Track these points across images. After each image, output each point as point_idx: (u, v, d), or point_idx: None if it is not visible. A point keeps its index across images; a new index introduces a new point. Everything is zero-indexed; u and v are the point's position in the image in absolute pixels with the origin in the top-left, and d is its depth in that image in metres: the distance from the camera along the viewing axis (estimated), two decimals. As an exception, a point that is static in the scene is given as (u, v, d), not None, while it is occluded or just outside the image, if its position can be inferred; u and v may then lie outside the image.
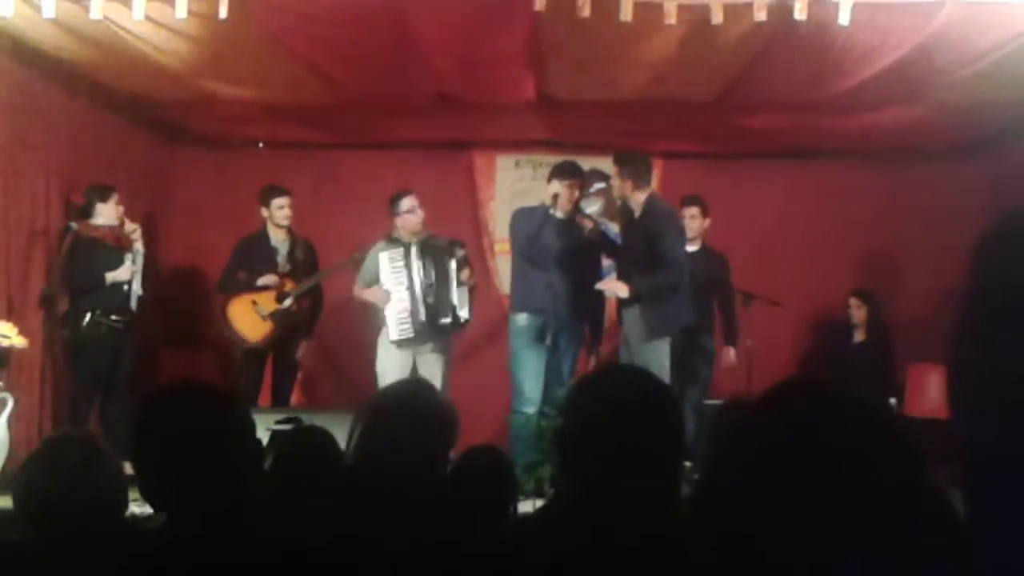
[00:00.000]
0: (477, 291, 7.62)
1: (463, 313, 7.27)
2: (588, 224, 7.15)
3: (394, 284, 7.26)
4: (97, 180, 7.47)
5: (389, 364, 7.28)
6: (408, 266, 7.26)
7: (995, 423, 1.13)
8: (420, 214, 7.40)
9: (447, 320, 7.22)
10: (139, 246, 7.44)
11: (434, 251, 7.31)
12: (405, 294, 7.23)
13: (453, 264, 7.27)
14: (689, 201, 7.71)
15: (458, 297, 7.24)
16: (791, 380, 1.70)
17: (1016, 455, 1.10)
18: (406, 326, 7.23)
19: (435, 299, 7.20)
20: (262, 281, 7.71)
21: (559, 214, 7.03)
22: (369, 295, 7.39)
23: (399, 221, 7.42)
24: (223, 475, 2.16)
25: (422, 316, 7.19)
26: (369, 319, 7.66)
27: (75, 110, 7.59)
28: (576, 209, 7.17)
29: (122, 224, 7.43)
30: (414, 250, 7.28)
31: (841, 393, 1.59)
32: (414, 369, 7.28)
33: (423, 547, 2.52)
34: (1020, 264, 1.13)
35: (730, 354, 7.94)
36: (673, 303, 6.77)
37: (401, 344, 7.28)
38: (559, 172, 7.14)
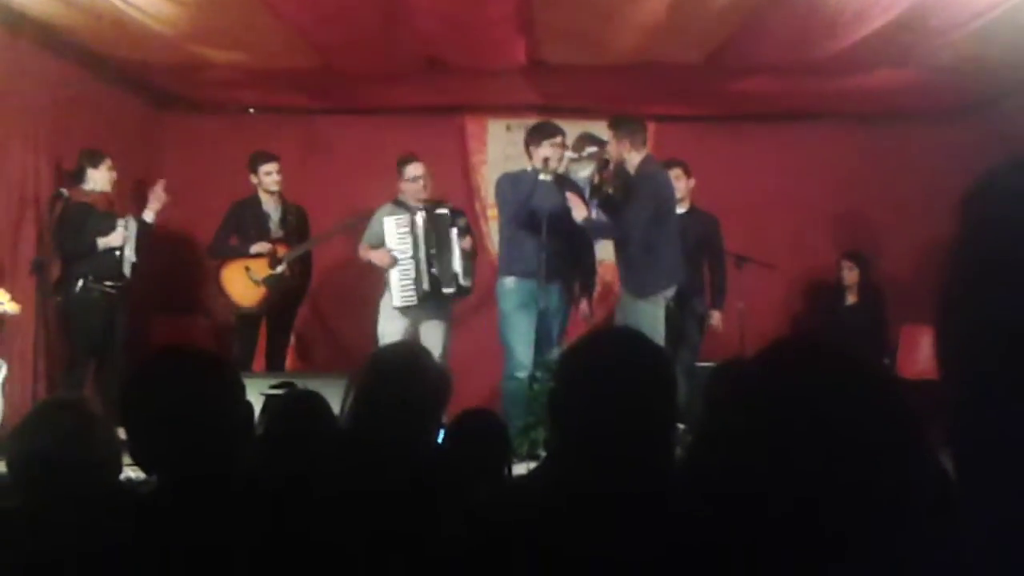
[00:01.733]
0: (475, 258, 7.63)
1: (465, 282, 7.32)
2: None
3: (399, 249, 7.29)
4: (87, 146, 7.45)
5: (391, 329, 7.33)
6: (413, 233, 7.28)
7: (984, 380, 1.14)
8: (421, 183, 7.44)
9: (450, 289, 7.27)
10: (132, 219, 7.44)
11: (438, 220, 7.33)
12: (409, 261, 7.26)
13: (455, 232, 7.29)
14: (671, 164, 7.69)
15: (460, 265, 7.27)
16: (784, 340, 1.70)
17: (1004, 413, 1.10)
18: (409, 293, 7.27)
19: (439, 268, 7.23)
20: (255, 249, 7.71)
21: (547, 176, 7.00)
22: (375, 257, 7.41)
23: (403, 186, 7.46)
24: (213, 438, 2.17)
25: (425, 284, 7.22)
26: (364, 283, 7.68)
27: (64, 76, 7.55)
28: (563, 172, 7.15)
29: (114, 190, 7.42)
30: (419, 218, 7.29)
31: (835, 352, 1.60)
32: (416, 335, 7.32)
33: (417, 509, 2.54)
34: (1009, 217, 1.13)
35: (716, 317, 7.94)
36: (663, 261, 6.80)
37: (404, 310, 7.32)
38: (543, 133, 7.09)
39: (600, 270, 8.03)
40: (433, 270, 7.24)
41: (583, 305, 7.35)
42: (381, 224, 7.40)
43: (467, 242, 7.35)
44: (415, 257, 7.27)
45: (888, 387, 1.53)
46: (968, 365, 1.16)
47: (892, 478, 1.41)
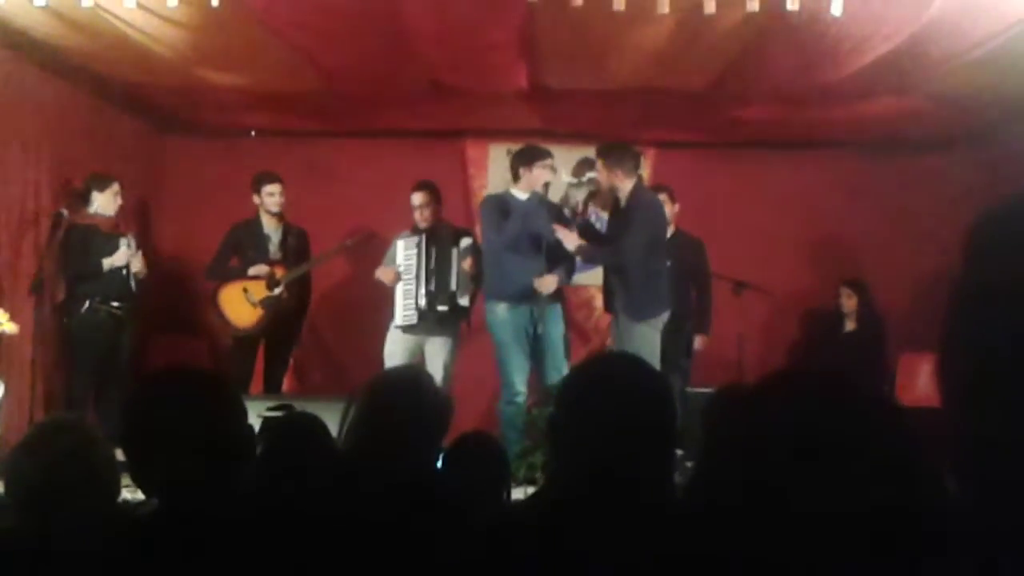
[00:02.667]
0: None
1: (462, 301, 7.32)
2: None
3: (404, 268, 7.38)
4: (87, 167, 7.48)
5: (396, 348, 7.40)
6: (419, 254, 7.35)
7: (989, 407, 1.14)
8: (419, 212, 7.52)
9: (444, 307, 7.26)
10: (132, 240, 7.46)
11: (440, 239, 7.38)
12: (412, 281, 7.33)
13: (455, 252, 7.31)
14: (657, 189, 7.70)
15: (458, 284, 7.28)
16: (788, 370, 1.70)
17: (1010, 441, 1.10)
18: (409, 312, 7.34)
19: (435, 285, 7.27)
20: (253, 271, 7.72)
21: (536, 199, 6.99)
22: (381, 273, 7.50)
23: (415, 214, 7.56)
24: (213, 460, 2.17)
25: (422, 301, 7.26)
26: (363, 306, 7.70)
27: (66, 97, 7.58)
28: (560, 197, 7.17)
29: (118, 215, 7.44)
30: (423, 238, 7.39)
31: (839, 382, 1.59)
32: (420, 353, 7.36)
33: (416, 532, 2.53)
34: (1015, 246, 1.13)
35: (699, 341, 7.94)
36: (660, 287, 6.82)
37: (405, 329, 7.36)
38: (535, 156, 7.11)
39: (586, 295, 8.05)
40: (430, 286, 7.28)
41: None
42: (395, 247, 7.53)
43: (468, 263, 7.36)
44: (416, 276, 7.33)
45: (892, 415, 1.52)
46: (972, 392, 1.16)
47: (896, 503, 1.40)
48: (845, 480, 1.42)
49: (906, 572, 1.38)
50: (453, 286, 7.29)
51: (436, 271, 7.30)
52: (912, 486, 1.44)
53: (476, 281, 7.42)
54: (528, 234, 6.90)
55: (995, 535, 1.13)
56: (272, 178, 7.87)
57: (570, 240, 6.82)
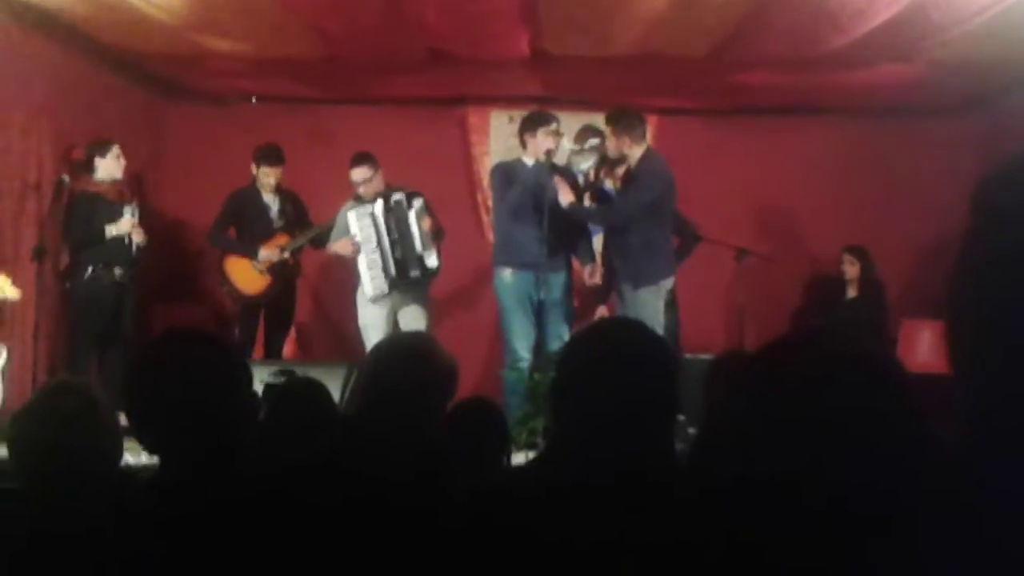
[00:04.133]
0: (468, 245, 7.63)
1: (431, 262, 7.33)
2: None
3: (364, 241, 7.33)
4: (89, 134, 7.47)
5: (370, 319, 7.39)
6: (374, 223, 7.32)
7: (997, 372, 1.14)
8: (371, 181, 7.43)
9: (416, 272, 7.28)
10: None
11: (394, 205, 7.35)
12: (375, 251, 7.31)
13: (412, 215, 7.30)
14: None
15: (422, 247, 7.28)
16: (791, 335, 1.70)
17: (1018, 405, 1.11)
18: (379, 281, 7.33)
19: (402, 252, 7.27)
20: (263, 256, 7.72)
21: (541, 165, 6.97)
22: (338, 247, 7.49)
23: (356, 189, 7.52)
24: (217, 421, 2.18)
25: (392, 271, 7.27)
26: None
27: (67, 65, 7.55)
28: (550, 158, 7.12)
29: (124, 176, 7.45)
30: (377, 207, 7.33)
31: (842, 346, 1.60)
32: (395, 322, 7.37)
33: (418, 496, 2.55)
34: (1021, 208, 1.13)
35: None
36: (661, 253, 6.83)
37: (377, 300, 7.36)
38: (538, 122, 7.08)
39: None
40: (397, 255, 7.27)
41: (587, 271, 7.16)
42: (345, 219, 7.46)
43: (427, 222, 7.34)
44: (379, 246, 7.31)
45: (898, 379, 1.53)
46: (980, 357, 1.16)
47: (899, 469, 1.41)
48: (849, 451, 1.43)
49: (910, 542, 1.39)
50: (419, 249, 7.28)
51: (400, 239, 7.28)
52: (916, 454, 1.45)
53: (437, 237, 7.43)
54: (533, 202, 6.90)
55: (1002, 500, 1.14)
56: (270, 159, 7.84)
57: (566, 195, 6.82)
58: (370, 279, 7.34)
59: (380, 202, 7.34)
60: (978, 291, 1.17)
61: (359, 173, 7.45)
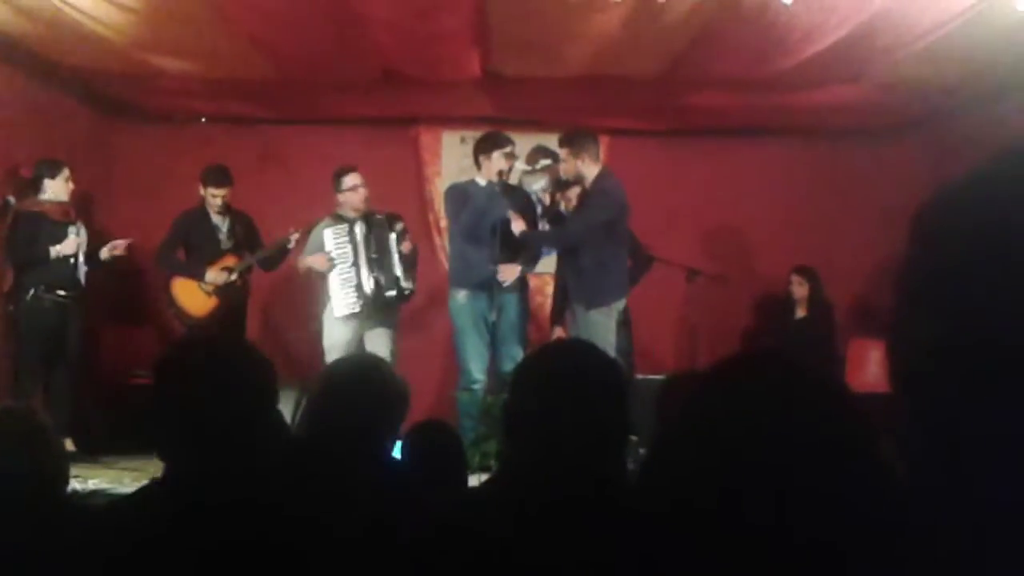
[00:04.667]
0: (420, 266, 7.62)
1: (407, 284, 7.30)
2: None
3: (338, 257, 7.29)
4: (35, 154, 7.38)
5: (336, 339, 7.30)
6: (352, 241, 7.28)
7: (936, 395, 1.15)
8: (363, 192, 7.42)
9: (392, 292, 7.24)
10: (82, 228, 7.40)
11: (376, 225, 7.34)
12: (349, 269, 7.25)
13: (393, 237, 7.28)
14: None
15: (401, 269, 7.25)
16: (740, 353, 1.71)
17: (962, 424, 1.12)
18: (352, 300, 7.26)
19: (379, 272, 7.23)
20: (210, 277, 7.66)
21: (494, 186, 6.99)
22: (312, 261, 7.39)
23: (342, 198, 7.45)
24: (242, 437, 2.17)
25: (368, 290, 7.21)
26: (314, 294, 7.66)
27: (13, 83, 7.46)
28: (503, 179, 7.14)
29: (71, 200, 7.37)
30: (358, 226, 7.30)
31: (791, 365, 1.61)
32: (360, 344, 7.29)
33: (370, 521, 2.53)
34: (960, 232, 1.15)
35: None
36: (614, 274, 6.85)
37: (348, 318, 7.29)
38: (494, 143, 7.09)
39: (538, 282, 8.08)
40: (374, 274, 7.23)
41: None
42: (320, 236, 7.40)
43: (407, 246, 7.33)
44: (355, 264, 7.27)
45: (844, 398, 1.54)
46: (920, 380, 1.17)
47: (848, 487, 1.42)
48: (796, 464, 1.44)
49: (863, 560, 1.40)
50: (397, 271, 7.26)
51: (378, 258, 7.25)
52: (863, 470, 1.46)
53: (414, 264, 7.43)
54: (487, 222, 6.91)
55: (944, 521, 1.15)
56: (216, 180, 7.77)
57: (517, 224, 6.85)
58: (342, 297, 7.28)
59: (361, 221, 7.32)
60: (918, 314, 1.18)
61: (351, 179, 7.43)
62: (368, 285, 7.22)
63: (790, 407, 1.49)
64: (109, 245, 7.53)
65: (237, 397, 2.18)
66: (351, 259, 7.27)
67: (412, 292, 7.40)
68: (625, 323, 7.25)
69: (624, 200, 6.92)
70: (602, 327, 6.68)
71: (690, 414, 1.61)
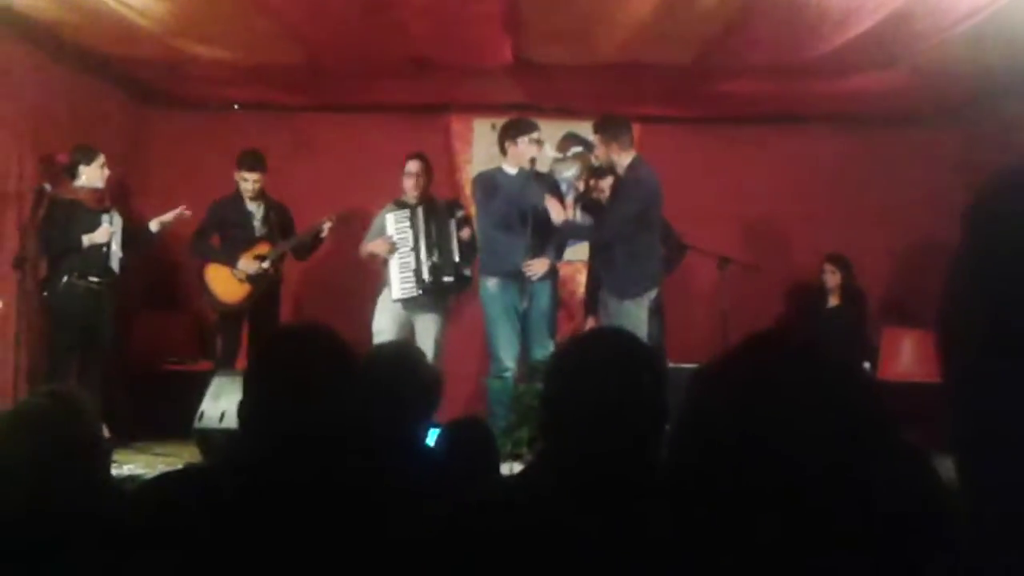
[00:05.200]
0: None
1: (466, 271, 7.37)
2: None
3: (400, 244, 7.39)
4: (70, 141, 7.42)
5: (386, 323, 7.42)
6: (414, 226, 7.39)
7: (991, 385, 1.14)
8: (414, 179, 7.56)
9: (450, 278, 7.30)
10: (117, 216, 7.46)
11: (436, 211, 7.43)
12: (410, 253, 7.32)
13: (453, 223, 7.34)
14: None
15: (460, 255, 7.29)
16: (758, 335, 1.71)
17: (1011, 417, 1.11)
18: (409, 284, 7.36)
19: (439, 258, 7.30)
20: (242, 265, 7.71)
21: (525, 174, 6.99)
22: (375, 246, 7.51)
23: (403, 182, 7.61)
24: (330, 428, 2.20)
25: (426, 275, 7.30)
26: (348, 281, 7.71)
27: (48, 71, 7.51)
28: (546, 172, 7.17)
29: (106, 186, 7.42)
30: (419, 210, 7.42)
31: (807, 347, 1.61)
32: (410, 329, 7.39)
33: (404, 506, 2.53)
34: (1016, 223, 1.13)
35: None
36: (647, 264, 6.82)
37: (404, 303, 7.39)
38: (520, 129, 7.11)
39: (569, 270, 8.06)
40: (433, 259, 7.30)
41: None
42: (383, 221, 7.53)
43: (466, 233, 7.38)
44: (415, 248, 7.35)
45: (859, 379, 1.54)
46: (975, 368, 1.16)
47: (862, 467, 1.41)
48: (812, 445, 1.43)
49: (871, 545, 1.39)
50: (456, 256, 7.31)
51: (438, 242, 7.33)
52: (882, 452, 1.45)
53: (472, 251, 7.44)
54: (517, 210, 6.91)
55: (996, 516, 1.14)
56: (250, 164, 7.84)
57: (557, 213, 6.84)
58: (400, 281, 7.38)
59: (422, 206, 7.44)
60: (972, 304, 1.17)
61: (412, 165, 7.57)
62: (426, 270, 7.28)
63: (806, 391, 1.48)
64: (159, 218, 7.62)
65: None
66: (411, 244, 7.35)
67: (470, 279, 7.43)
68: (657, 311, 7.21)
69: (657, 189, 6.89)
70: (634, 317, 6.66)
71: (709, 396, 1.61)
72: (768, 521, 1.44)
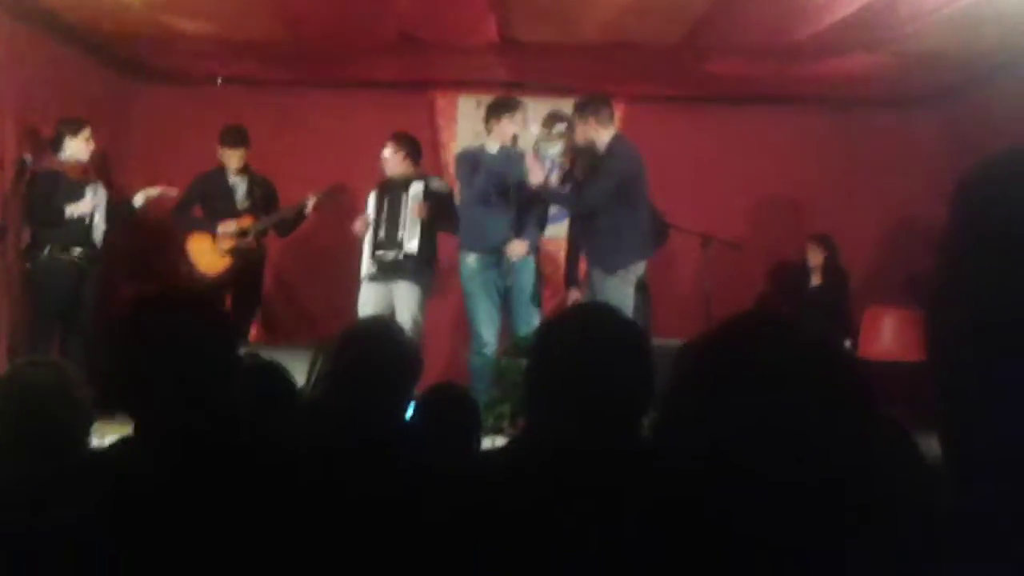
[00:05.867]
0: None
1: (409, 246, 7.31)
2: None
3: (371, 222, 7.45)
4: (53, 114, 7.39)
5: (364, 298, 7.45)
6: (378, 205, 7.45)
7: (979, 365, 1.15)
8: (388, 159, 7.54)
9: (392, 253, 7.28)
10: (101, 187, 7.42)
11: (392, 187, 7.44)
12: (372, 233, 7.43)
13: (405, 198, 7.34)
14: None
15: (408, 230, 7.26)
16: (743, 315, 1.73)
17: (1001, 396, 1.12)
18: (367, 261, 7.41)
19: (384, 234, 7.32)
20: (222, 228, 7.71)
21: (508, 151, 7.01)
22: (356, 227, 7.57)
23: None
24: (197, 385, 2.17)
25: (378, 252, 7.32)
26: (330, 254, 7.73)
27: (31, 44, 7.45)
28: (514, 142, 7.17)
29: (91, 159, 7.39)
30: (379, 189, 7.50)
31: (791, 326, 1.62)
32: (391, 303, 7.39)
33: (386, 478, 2.54)
34: (1005, 204, 1.14)
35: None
36: (629, 236, 6.83)
37: (371, 278, 7.41)
38: (505, 107, 7.17)
39: (552, 247, 8.08)
40: (380, 234, 7.34)
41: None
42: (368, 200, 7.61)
43: (420, 209, 7.33)
44: (375, 226, 7.41)
45: (842, 358, 1.55)
46: (962, 350, 1.17)
47: (844, 445, 1.43)
48: (796, 424, 1.44)
49: (857, 523, 1.40)
50: (400, 233, 7.30)
51: (387, 219, 7.36)
52: (862, 429, 1.47)
53: (434, 226, 7.41)
54: (498, 187, 6.91)
55: (985, 495, 1.15)
56: (232, 141, 7.86)
57: (535, 175, 6.84)
58: (365, 258, 7.45)
59: (381, 183, 7.52)
60: (963, 283, 1.18)
61: (386, 148, 7.58)
62: (375, 246, 7.35)
63: (789, 368, 1.50)
64: (144, 191, 7.61)
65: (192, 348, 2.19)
66: (374, 221, 7.35)
67: (413, 254, 7.34)
68: (642, 287, 7.23)
69: (638, 162, 6.90)
70: (619, 292, 6.67)
71: (694, 374, 1.62)
72: (749, 499, 1.45)
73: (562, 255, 8.12)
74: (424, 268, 7.45)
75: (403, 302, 7.31)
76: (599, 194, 6.79)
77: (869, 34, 7.03)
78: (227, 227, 7.73)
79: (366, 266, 7.43)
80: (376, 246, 7.36)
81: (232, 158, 7.81)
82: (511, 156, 6.98)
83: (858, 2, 6.41)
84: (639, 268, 6.91)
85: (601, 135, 6.88)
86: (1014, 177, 1.19)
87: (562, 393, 2.06)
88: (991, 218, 1.16)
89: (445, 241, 7.84)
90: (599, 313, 2.30)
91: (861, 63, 7.72)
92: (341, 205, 8.01)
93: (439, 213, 7.38)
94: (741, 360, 1.56)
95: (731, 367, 1.56)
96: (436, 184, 7.55)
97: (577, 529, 1.84)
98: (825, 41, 7.13)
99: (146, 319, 2.26)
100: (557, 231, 8.01)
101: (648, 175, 6.99)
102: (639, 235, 6.92)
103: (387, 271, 7.36)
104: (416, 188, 7.38)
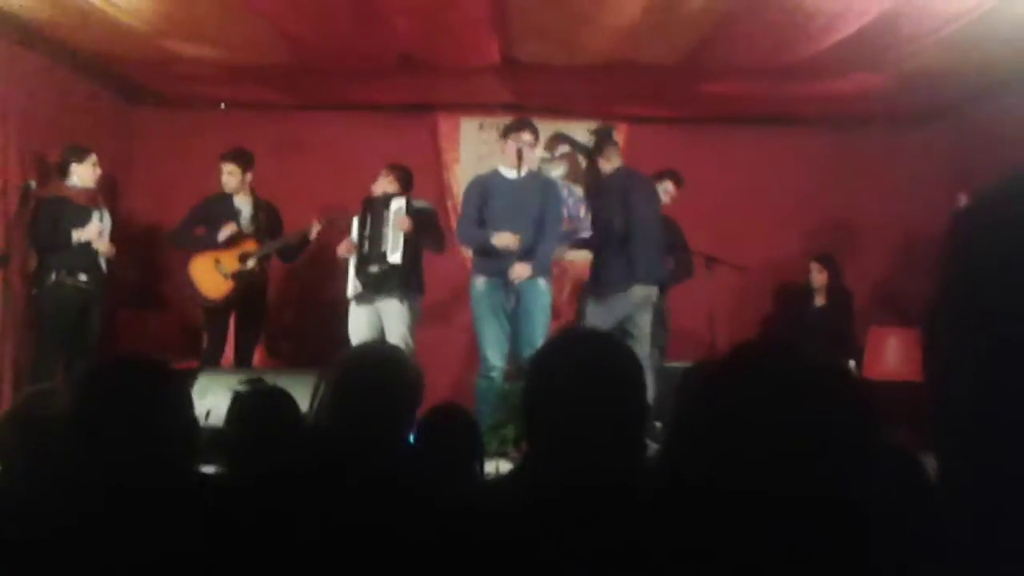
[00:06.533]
0: (440, 255, 7.59)
1: (393, 258, 7.25)
2: None
3: (357, 243, 7.41)
4: (57, 139, 7.41)
5: (354, 319, 7.40)
6: (361, 224, 7.41)
7: (977, 386, 1.15)
8: (378, 183, 7.53)
9: (375, 267, 7.26)
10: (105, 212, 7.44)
11: (373, 204, 7.41)
12: (356, 252, 7.39)
13: (387, 214, 7.32)
14: (661, 175, 7.85)
15: (391, 243, 7.25)
16: (752, 342, 1.72)
17: (994, 420, 1.12)
18: (352, 280, 7.40)
19: (368, 248, 7.30)
20: (223, 234, 7.66)
21: (516, 174, 7.00)
22: (340, 250, 7.55)
23: None
24: (154, 455, 2.18)
25: (363, 269, 7.30)
26: (335, 279, 7.73)
27: (34, 68, 7.48)
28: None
29: (97, 186, 7.40)
30: (361, 208, 7.46)
31: (801, 354, 1.61)
32: (378, 320, 7.35)
33: (389, 505, 2.53)
34: (1003, 230, 1.14)
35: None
36: (613, 268, 6.92)
37: (357, 300, 7.38)
38: (509, 129, 7.17)
39: (558, 270, 8.09)
40: (364, 250, 7.32)
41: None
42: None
43: (404, 223, 7.28)
44: (359, 244, 7.37)
45: (851, 386, 1.54)
46: (961, 371, 1.17)
47: (855, 471, 1.42)
48: (805, 450, 1.44)
49: (858, 546, 1.40)
50: (384, 246, 7.27)
51: (370, 234, 7.33)
52: (865, 459, 1.46)
53: (419, 244, 7.39)
54: (510, 212, 6.92)
55: (980, 513, 1.15)
56: (233, 159, 7.82)
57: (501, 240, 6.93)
58: (351, 277, 7.41)
59: (363, 203, 7.45)
60: (959, 306, 1.18)
61: (379, 179, 7.56)
62: (360, 262, 7.32)
63: (795, 395, 1.49)
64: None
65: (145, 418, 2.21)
66: (358, 239, 7.37)
67: (398, 267, 7.25)
68: (658, 311, 7.28)
69: (622, 196, 6.96)
70: (597, 318, 6.78)
71: (702, 400, 1.62)
72: (756, 520, 1.44)
73: (565, 278, 8.16)
74: (410, 288, 7.35)
75: (392, 324, 7.25)
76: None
77: (870, 54, 7.04)
78: (228, 229, 7.67)
79: (352, 285, 7.38)
80: (360, 261, 7.31)
81: (232, 176, 7.76)
82: (524, 182, 6.98)
83: (859, 22, 6.42)
84: (628, 294, 6.91)
85: (605, 169, 7.04)
86: (1011, 203, 1.19)
87: (555, 419, 2.06)
88: (987, 245, 1.16)
89: (457, 266, 7.84)
90: (590, 339, 2.29)
91: (862, 83, 7.74)
92: (343, 228, 8.01)
93: (423, 229, 7.36)
94: (746, 385, 1.55)
95: (737, 392, 1.55)
96: (419, 203, 7.52)
97: (576, 561, 1.84)
98: (826, 61, 7.14)
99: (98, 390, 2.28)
100: (561, 254, 8.02)
101: (644, 204, 7.02)
102: (624, 266, 6.92)
103: (372, 286, 7.29)
104: (398, 203, 7.34)
